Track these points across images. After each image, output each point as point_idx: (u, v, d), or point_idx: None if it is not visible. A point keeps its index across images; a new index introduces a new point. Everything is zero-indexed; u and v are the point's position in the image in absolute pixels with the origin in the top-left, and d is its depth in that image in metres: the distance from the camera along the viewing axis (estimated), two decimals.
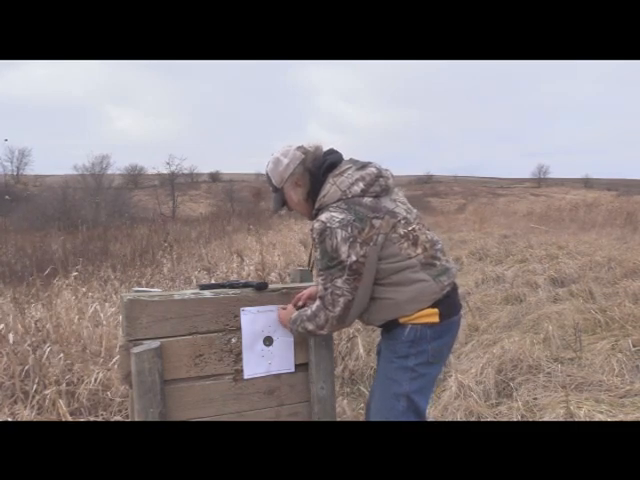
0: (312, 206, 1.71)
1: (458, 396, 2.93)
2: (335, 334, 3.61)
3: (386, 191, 1.66)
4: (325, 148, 1.78)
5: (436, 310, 1.63)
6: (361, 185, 1.62)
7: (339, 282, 1.56)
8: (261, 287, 1.80)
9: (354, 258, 1.54)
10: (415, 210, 1.74)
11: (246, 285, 1.82)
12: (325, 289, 1.59)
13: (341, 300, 1.57)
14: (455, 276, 1.73)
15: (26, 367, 2.91)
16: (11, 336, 3.12)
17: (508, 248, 8.13)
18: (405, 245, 1.61)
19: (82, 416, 2.71)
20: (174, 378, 1.66)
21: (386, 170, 1.71)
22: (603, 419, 2.50)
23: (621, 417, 2.54)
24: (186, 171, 44.07)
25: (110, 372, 2.98)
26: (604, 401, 2.75)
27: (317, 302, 1.63)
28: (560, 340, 3.72)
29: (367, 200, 1.60)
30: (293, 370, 1.83)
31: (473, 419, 2.72)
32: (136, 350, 1.56)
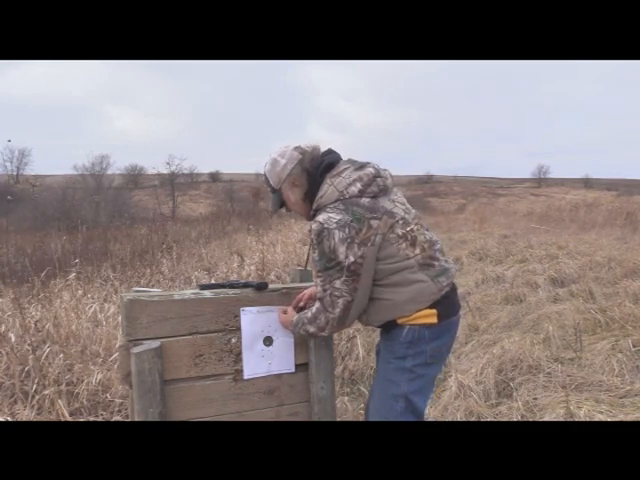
0: (310, 206, 1.70)
1: (458, 396, 2.93)
2: (335, 334, 3.61)
3: (384, 191, 1.65)
4: (324, 148, 1.77)
5: (434, 311, 1.63)
6: (359, 185, 1.61)
7: (338, 283, 1.56)
8: (261, 287, 1.80)
9: (352, 259, 1.54)
10: (414, 210, 1.73)
11: (246, 285, 1.82)
12: (324, 291, 1.59)
13: (340, 301, 1.57)
14: (454, 277, 1.73)
15: (26, 367, 2.91)
16: (12, 336, 3.12)
17: (508, 248, 8.13)
18: (403, 246, 1.60)
19: (82, 416, 2.71)
20: (174, 378, 1.66)
21: (384, 170, 1.70)
22: (603, 419, 2.50)
23: (621, 417, 2.54)
24: (186, 171, 44.16)
25: (110, 372, 2.98)
26: (604, 401, 2.75)
27: (317, 304, 1.63)
28: (560, 340, 3.73)
29: (365, 201, 1.60)
30: (293, 370, 1.83)
31: (473, 419, 2.72)
32: (136, 350, 1.56)
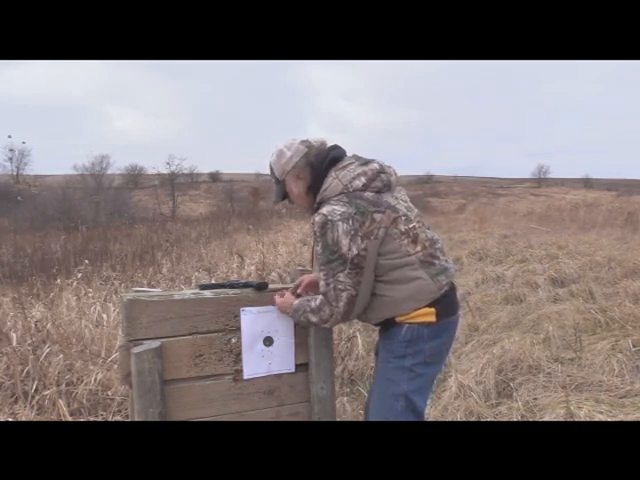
0: (313, 200, 1.71)
1: (458, 396, 2.93)
2: (335, 334, 3.60)
3: (388, 187, 1.67)
4: (330, 144, 1.78)
5: (433, 310, 1.63)
6: (363, 180, 1.62)
7: (341, 277, 1.56)
8: (261, 287, 1.80)
9: (355, 252, 1.54)
10: (416, 209, 1.74)
11: (246, 285, 1.82)
12: (327, 284, 1.59)
13: (344, 295, 1.57)
14: (453, 276, 1.73)
15: (26, 367, 2.91)
16: (14, 336, 3.12)
17: (508, 248, 8.13)
18: (405, 242, 1.61)
19: (82, 416, 2.71)
20: (174, 378, 1.66)
21: (389, 167, 1.72)
22: (603, 419, 2.50)
23: (621, 417, 2.54)
24: (186, 171, 44.06)
25: (110, 372, 2.98)
26: (604, 401, 2.75)
27: (321, 298, 1.62)
28: (560, 340, 3.72)
29: (368, 194, 1.61)
30: (293, 370, 1.83)
31: (473, 419, 2.72)
32: (136, 350, 1.56)
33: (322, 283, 1.61)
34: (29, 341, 3.09)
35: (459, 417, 2.73)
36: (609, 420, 2.49)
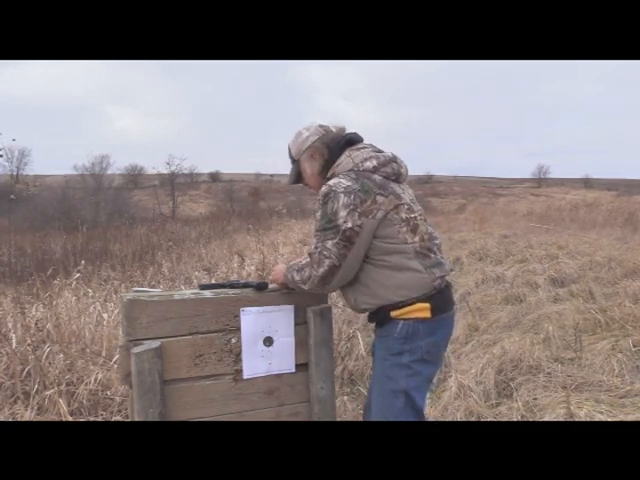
0: (325, 180, 1.75)
1: (458, 396, 2.93)
2: (335, 334, 3.60)
3: (397, 177, 1.72)
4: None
5: (428, 305, 1.64)
6: (374, 162, 1.68)
7: (329, 244, 1.59)
8: (261, 287, 1.80)
9: (349, 225, 1.57)
10: (420, 207, 1.77)
11: (246, 285, 1.82)
12: (315, 248, 1.63)
13: (327, 262, 1.59)
14: (448, 273, 1.74)
15: (27, 367, 2.91)
16: (13, 337, 3.12)
17: (508, 248, 8.12)
18: (404, 229, 1.63)
19: (82, 416, 2.71)
20: (174, 378, 1.65)
21: (402, 160, 1.77)
22: (603, 419, 2.50)
23: (621, 417, 2.54)
24: (186, 171, 44.03)
25: (110, 372, 2.98)
26: (604, 401, 2.75)
27: (307, 259, 1.66)
28: (560, 340, 3.72)
29: (377, 177, 1.66)
30: (293, 370, 1.83)
31: (473, 419, 2.72)
32: (136, 350, 1.56)
33: (312, 247, 1.65)
34: (29, 341, 3.08)
35: (459, 417, 2.73)
36: (609, 420, 2.49)
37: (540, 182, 60.68)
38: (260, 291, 1.79)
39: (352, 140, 1.77)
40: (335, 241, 1.58)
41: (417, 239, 1.65)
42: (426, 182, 59.37)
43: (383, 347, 1.70)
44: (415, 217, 1.68)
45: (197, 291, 1.77)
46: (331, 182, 1.64)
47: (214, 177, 54.91)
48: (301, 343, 1.83)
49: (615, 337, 3.61)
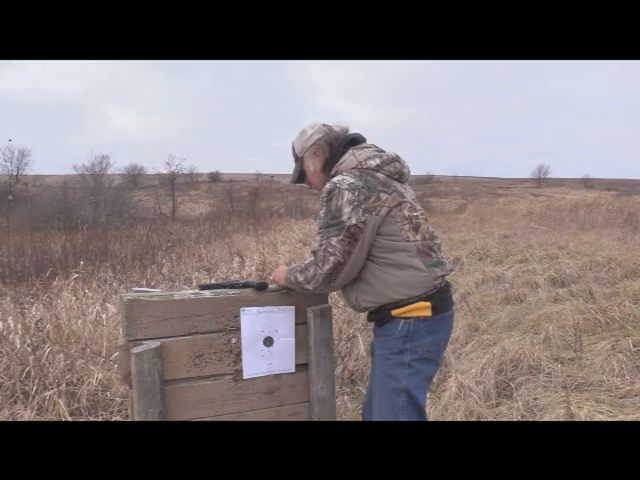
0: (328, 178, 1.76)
1: (458, 396, 2.92)
2: (335, 334, 3.60)
3: (399, 176, 1.73)
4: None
5: (429, 304, 1.64)
6: (377, 161, 1.70)
7: (334, 241, 1.59)
8: (261, 287, 1.80)
9: (354, 221, 1.58)
10: (421, 207, 1.78)
11: (246, 285, 1.82)
12: (320, 245, 1.63)
13: (332, 259, 1.59)
14: (448, 272, 1.75)
15: (26, 368, 2.91)
16: (14, 337, 3.11)
17: (508, 248, 8.12)
18: (407, 227, 1.64)
19: (82, 416, 2.71)
20: (174, 378, 1.66)
21: (404, 161, 1.79)
22: (603, 419, 2.50)
23: (621, 417, 2.54)
24: (186, 171, 43.98)
25: (110, 372, 2.98)
26: (604, 401, 2.75)
27: (311, 258, 1.66)
28: (560, 340, 3.72)
29: (380, 175, 1.67)
30: (293, 370, 1.83)
31: (473, 419, 2.72)
32: (136, 350, 1.56)
33: (316, 244, 1.65)
34: (29, 341, 3.08)
35: (459, 417, 2.73)
36: (609, 420, 2.49)
37: (540, 182, 60.73)
38: (260, 291, 1.79)
39: (355, 139, 1.79)
40: (340, 238, 1.59)
41: (419, 237, 1.66)
42: (426, 182, 59.42)
43: (384, 346, 1.70)
44: (417, 216, 1.69)
45: (197, 291, 1.77)
46: (335, 179, 1.65)
47: (214, 177, 54.90)
48: (301, 343, 1.83)
49: (615, 337, 3.61)
